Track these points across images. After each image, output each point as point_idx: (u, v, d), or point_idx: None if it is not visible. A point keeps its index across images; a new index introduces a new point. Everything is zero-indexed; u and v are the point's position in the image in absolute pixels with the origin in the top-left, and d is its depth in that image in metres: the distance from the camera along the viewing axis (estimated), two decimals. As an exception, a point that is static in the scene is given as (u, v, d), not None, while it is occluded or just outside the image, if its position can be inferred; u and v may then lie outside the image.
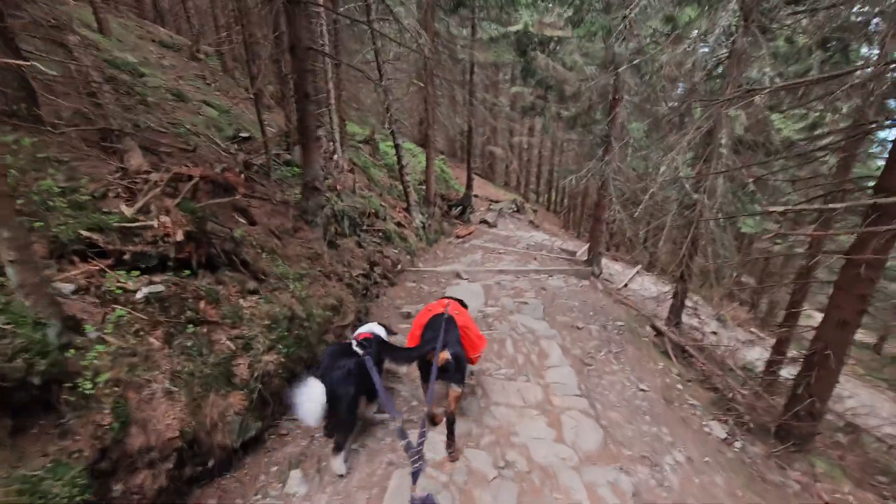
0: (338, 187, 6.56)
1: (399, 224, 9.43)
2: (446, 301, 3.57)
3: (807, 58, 8.33)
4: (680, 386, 4.59)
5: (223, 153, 5.62)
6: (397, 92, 13.35)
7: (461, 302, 3.86)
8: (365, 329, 3.58)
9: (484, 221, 15.70)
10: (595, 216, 12.21)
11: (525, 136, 23.74)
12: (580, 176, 11.85)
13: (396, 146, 9.46)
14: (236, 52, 11.02)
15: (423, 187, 12.19)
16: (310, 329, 4.09)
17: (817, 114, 11.83)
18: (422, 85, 10.75)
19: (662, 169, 6.59)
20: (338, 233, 5.90)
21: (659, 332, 5.97)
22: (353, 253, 6.08)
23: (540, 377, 4.08)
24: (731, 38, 6.13)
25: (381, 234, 8.02)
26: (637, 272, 16.72)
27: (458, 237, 12.90)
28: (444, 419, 3.12)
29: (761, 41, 6.09)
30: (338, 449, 2.94)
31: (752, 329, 16.39)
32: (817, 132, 11.60)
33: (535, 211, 21.87)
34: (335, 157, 8.62)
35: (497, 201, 19.85)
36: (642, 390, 4.17)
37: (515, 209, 19.52)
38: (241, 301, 3.56)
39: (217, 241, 3.70)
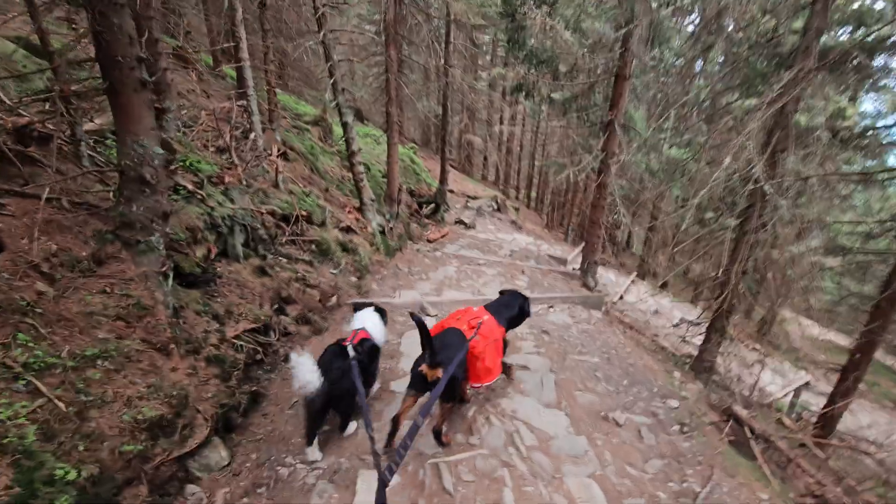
0: (227, 180, 4.07)
1: (347, 229, 7.00)
2: (480, 318, 3.07)
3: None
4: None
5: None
6: (354, 54, 10.82)
7: (515, 308, 3.43)
8: (360, 323, 3.21)
9: (460, 222, 13.40)
10: (591, 219, 10.12)
11: (506, 125, 21.49)
12: (579, 169, 9.67)
13: (344, 125, 6.99)
14: None
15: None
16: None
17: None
18: (375, 37, 8.26)
19: (727, 161, 4.42)
20: (211, 257, 3.44)
21: (737, 420, 3.83)
22: (244, 289, 3.64)
23: None
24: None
25: (313, 247, 5.59)
26: (632, 281, 14.85)
27: (428, 241, 10.56)
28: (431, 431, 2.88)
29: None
30: (343, 427, 2.96)
31: (756, 346, 14.82)
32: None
33: (516, 209, 19.74)
34: (251, 136, 6.10)
35: (475, 198, 17.57)
36: None
37: (495, 207, 17.31)
38: None
39: None
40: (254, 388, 3.17)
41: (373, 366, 3.24)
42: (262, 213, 4.34)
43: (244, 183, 4.71)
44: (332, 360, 2.77)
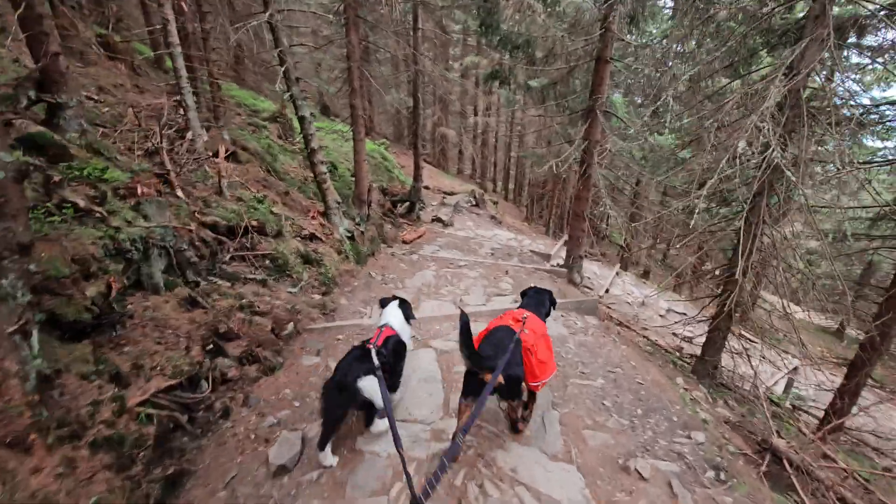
0: (140, 191, 3.23)
1: (311, 237, 6.20)
2: (523, 314, 3.02)
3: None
4: None
5: None
6: (307, 40, 9.90)
7: (547, 304, 3.46)
8: (385, 319, 3.06)
9: (437, 220, 12.68)
10: (574, 212, 9.61)
11: (481, 117, 20.79)
12: (561, 160, 9.05)
13: (301, 119, 6.15)
14: None
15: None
16: None
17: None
18: (333, 18, 7.41)
19: (742, 145, 3.85)
20: (112, 295, 2.63)
21: (774, 453, 3.28)
22: (164, 330, 2.84)
23: None
24: None
25: (267, 262, 4.78)
26: (616, 273, 14.47)
27: (404, 243, 9.82)
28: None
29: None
30: (322, 446, 2.59)
31: (743, 332, 14.65)
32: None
33: (495, 203, 19.12)
34: (188, 135, 5.22)
35: (452, 193, 16.86)
36: None
37: (473, 202, 16.63)
38: None
39: None
40: (172, 469, 2.39)
41: (399, 366, 3.05)
42: (191, 230, 3.51)
43: (176, 192, 3.87)
44: (352, 364, 2.62)
